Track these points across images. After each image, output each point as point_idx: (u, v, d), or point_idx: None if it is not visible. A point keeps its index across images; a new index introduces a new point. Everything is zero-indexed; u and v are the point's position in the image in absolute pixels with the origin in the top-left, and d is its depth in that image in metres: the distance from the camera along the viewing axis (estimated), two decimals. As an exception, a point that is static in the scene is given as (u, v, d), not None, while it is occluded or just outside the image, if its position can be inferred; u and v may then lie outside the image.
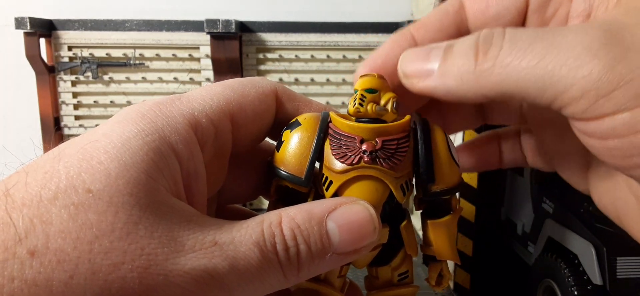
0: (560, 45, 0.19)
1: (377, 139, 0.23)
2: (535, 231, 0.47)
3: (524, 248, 0.50)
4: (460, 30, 0.26)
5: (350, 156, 0.23)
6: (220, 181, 0.25)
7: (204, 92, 0.23)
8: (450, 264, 0.55)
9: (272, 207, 0.26)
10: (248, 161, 0.28)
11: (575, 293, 0.39)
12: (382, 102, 0.23)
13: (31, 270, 0.16)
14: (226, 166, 0.25)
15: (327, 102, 0.74)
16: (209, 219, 0.20)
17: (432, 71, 0.23)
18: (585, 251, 0.39)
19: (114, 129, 0.20)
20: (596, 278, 0.38)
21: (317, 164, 0.24)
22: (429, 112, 0.30)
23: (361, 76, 0.24)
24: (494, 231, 0.52)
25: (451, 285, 0.54)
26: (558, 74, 0.19)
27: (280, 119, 0.26)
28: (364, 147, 0.22)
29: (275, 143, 0.26)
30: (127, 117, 0.21)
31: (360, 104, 0.23)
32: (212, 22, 0.72)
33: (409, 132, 0.24)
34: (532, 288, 0.46)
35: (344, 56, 0.77)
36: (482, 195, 0.50)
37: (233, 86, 0.24)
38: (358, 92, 0.23)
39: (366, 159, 0.22)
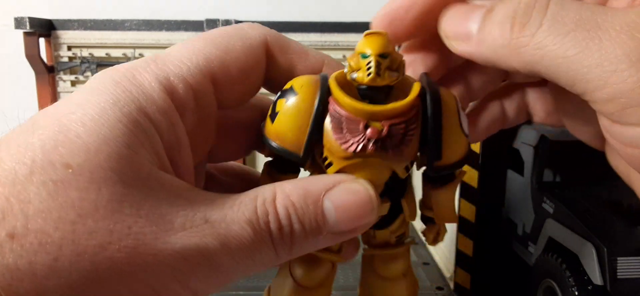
0: (601, 40, 0.18)
1: (383, 124, 0.20)
2: (535, 231, 0.47)
3: (525, 248, 0.50)
4: None
5: (354, 142, 0.21)
6: (207, 146, 0.24)
7: (182, 50, 0.21)
8: (451, 260, 0.55)
9: (266, 170, 0.25)
10: (238, 117, 0.26)
11: (576, 293, 0.39)
12: (395, 65, 0.21)
13: (12, 253, 0.15)
14: (213, 129, 0.23)
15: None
16: (199, 194, 0.19)
17: (471, 34, 0.22)
18: (585, 252, 0.39)
19: (89, 99, 0.18)
20: (597, 278, 0.38)
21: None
22: (453, 78, 0.27)
23: (368, 35, 0.21)
24: (494, 231, 0.52)
25: (451, 285, 0.54)
26: (592, 72, 0.18)
27: (271, 75, 0.24)
28: (368, 133, 0.20)
29: (268, 94, 0.24)
30: (101, 85, 0.19)
31: (378, 73, 0.20)
32: (211, 22, 0.71)
33: (418, 108, 0.21)
34: (533, 289, 0.46)
35: (344, 56, 0.77)
36: (482, 195, 0.50)
37: (215, 39, 0.22)
38: (372, 58, 0.20)
39: (371, 147, 0.20)
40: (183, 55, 0.21)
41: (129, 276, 0.17)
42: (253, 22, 0.83)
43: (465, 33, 0.22)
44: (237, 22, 0.73)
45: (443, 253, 0.59)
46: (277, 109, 0.22)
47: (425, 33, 0.25)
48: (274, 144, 0.22)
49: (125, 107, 0.18)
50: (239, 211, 0.19)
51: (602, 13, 0.19)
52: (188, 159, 0.21)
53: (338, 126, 0.21)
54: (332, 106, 0.21)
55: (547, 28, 0.19)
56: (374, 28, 0.23)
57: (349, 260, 0.28)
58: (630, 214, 0.40)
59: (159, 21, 0.75)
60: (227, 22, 0.71)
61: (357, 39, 0.80)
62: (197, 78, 0.21)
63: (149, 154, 0.19)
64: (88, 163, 0.17)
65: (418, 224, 0.28)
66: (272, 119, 0.22)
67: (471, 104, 0.29)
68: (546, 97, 0.28)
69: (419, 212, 0.27)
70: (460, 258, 0.53)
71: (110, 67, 0.20)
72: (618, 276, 0.37)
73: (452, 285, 0.54)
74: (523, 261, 0.50)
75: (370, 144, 0.20)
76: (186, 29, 0.75)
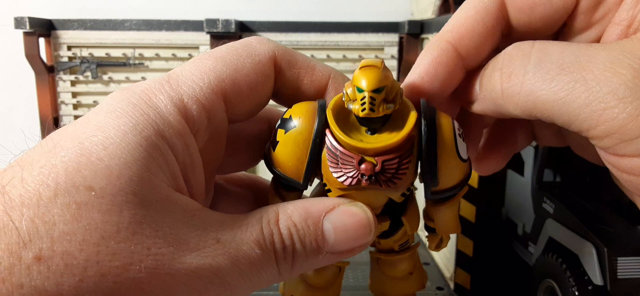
0: (587, 81, 0.19)
1: (376, 160, 0.21)
2: (535, 231, 0.47)
3: (525, 248, 0.50)
4: (504, 30, 0.24)
5: (348, 177, 0.21)
6: (218, 160, 0.25)
7: (193, 70, 0.22)
8: (451, 260, 0.55)
9: (273, 184, 0.25)
10: (246, 130, 0.27)
11: (576, 293, 0.39)
12: (391, 97, 0.21)
13: (39, 275, 0.16)
14: (223, 144, 0.24)
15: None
16: (210, 215, 0.20)
17: (477, 94, 0.24)
18: (586, 252, 0.39)
19: (108, 122, 0.19)
20: (597, 278, 0.38)
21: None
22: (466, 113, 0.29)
23: (363, 68, 0.21)
24: (494, 231, 0.52)
25: (451, 285, 0.54)
26: (584, 113, 0.19)
27: (279, 89, 0.25)
28: (362, 168, 0.21)
29: (276, 106, 0.25)
30: (119, 108, 0.20)
31: (371, 110, 0.20)
32: (211, 22, 0.71)
33: (413, 140, 0.22)
34: (533, 289, 0.46)
35: (344, 56, 0.77)
36: (482, 195, 0.50)
37: (225, 57, 0.23)
38: (366, 93, 0.20)
39: (364, 182, 0.21)
40: (195, 75, 0.22)
41: (149, 295, 0.17)
42: (253, 22, 0.82)
43: (474, 94, 0.24)
44: (237, 22, 0.72)
45: (443, 253, 0.59)
46: (278, 138, 0.23)
47: (449, 91, 0.26)
48: (276, 170, 0.24)
49: (144, 130, 0.19)
50: (247, 232, 0.20)
51: (585, 52, 0.20)
52: (200, 177, 0.22)
53: (334, 159, 0.22)
54: (329, 139, 0.22)
55: (532, 75, 0.20)
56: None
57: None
58: (630, 214, 0.40)
59: (158, 21, 0.75)
60: (227, 22, 0.71)
61: (357, 39, 0.80)
62: (210, 97, 0.22)
63: (166, 177, 0.20)
64: (110, 186, 0.18)
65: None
66: (273, 147, 0.23)
67: (485, 130, 0.31)
68: (551, 125, 0.29)
69: (422, 222, 0.28)
70: (460, 258, 0.53)
71: (125, 88, 0.21)
72: (618, 276, 0.37)
73: (452, 285, 0.54)
74: (523, 261, 0.50)
75: (364, 180, 0.21)
76: (186, 29, 0.75)
